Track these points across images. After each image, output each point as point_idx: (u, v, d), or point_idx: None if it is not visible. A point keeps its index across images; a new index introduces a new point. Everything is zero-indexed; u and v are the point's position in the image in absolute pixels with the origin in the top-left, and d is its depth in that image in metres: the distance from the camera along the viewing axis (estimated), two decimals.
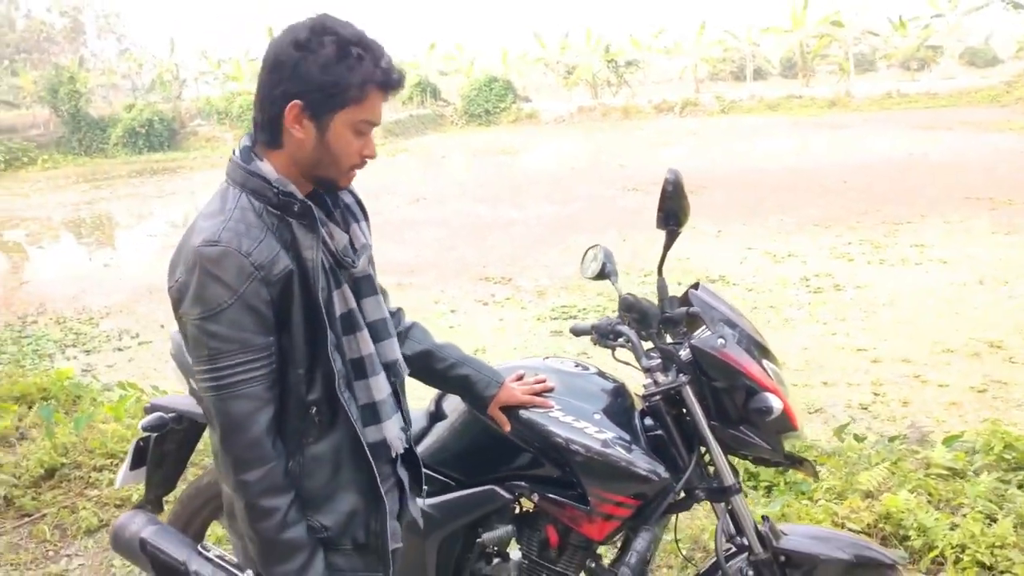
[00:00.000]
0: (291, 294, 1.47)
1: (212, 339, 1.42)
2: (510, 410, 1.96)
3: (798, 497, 3.20)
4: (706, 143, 22.07)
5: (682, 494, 1.96)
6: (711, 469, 1.96)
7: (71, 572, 3.30)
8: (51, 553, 3.38)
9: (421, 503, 1.86)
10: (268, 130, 1.50)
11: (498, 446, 2.00)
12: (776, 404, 1.79)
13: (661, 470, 1.90)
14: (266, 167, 1.50)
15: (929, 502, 3.12)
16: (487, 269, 9.36)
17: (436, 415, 2.17)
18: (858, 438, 3.82)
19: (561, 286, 8.34)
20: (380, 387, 1.61)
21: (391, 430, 1.62)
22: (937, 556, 2.82)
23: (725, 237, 10.58)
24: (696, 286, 2.01)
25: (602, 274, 2.10)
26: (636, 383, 2.08)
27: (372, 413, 1.60)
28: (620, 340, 1.99)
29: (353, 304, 1.58)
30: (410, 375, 1.90)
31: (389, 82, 1.49)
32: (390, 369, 1.66)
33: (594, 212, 13.08)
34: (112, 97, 37.25)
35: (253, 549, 1.53)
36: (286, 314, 1.48)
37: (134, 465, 2.42)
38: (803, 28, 33.74)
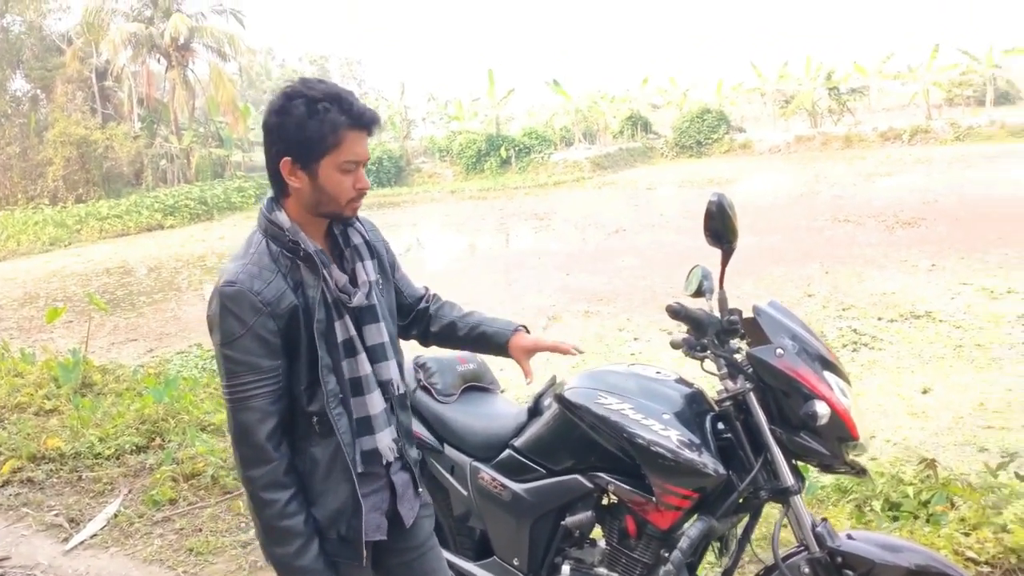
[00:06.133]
0: (297, 324, 1.72)
1: (228, 361, 1.69)
2: (587, 406, 2.19)
3: (929, 524, 3.12)
4: (934, 172, 20.67)
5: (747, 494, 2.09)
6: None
7: (256, 541, 3.82)
8: (243, 524, 3.94)
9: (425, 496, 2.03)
10: (276, 184, 1.77)
11: (582, 440, 2.25)
12: (822, 410, 1.90)
13: (717, 467, 2.05)
14: (282, 217, 1.75)
15: None
16: (675, 299, 9.39)
17: (534, 411, 2.44)
18: (1020, 477, 3.61)
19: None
20: (375, 403, 1.82)
21: (383, 440, 1.84)
22: None
23: (938, 272, 10.00)
24: (770, 304, 2.17)
25: (699, 291, 2.30)
26: None
27: (367, 425, 1.81)
28: (707, 353, 2.17)
29: (353, 332, 1.79)
30: (440, 345, 2.22)
31: (360, 123, 1.71)
32: (385, 387, 1.86)
33: (796, 243, 12.69)
34: None
35: (257, 533, 1.80)
36: (294, 341, 1.73)
37: None
38: None
